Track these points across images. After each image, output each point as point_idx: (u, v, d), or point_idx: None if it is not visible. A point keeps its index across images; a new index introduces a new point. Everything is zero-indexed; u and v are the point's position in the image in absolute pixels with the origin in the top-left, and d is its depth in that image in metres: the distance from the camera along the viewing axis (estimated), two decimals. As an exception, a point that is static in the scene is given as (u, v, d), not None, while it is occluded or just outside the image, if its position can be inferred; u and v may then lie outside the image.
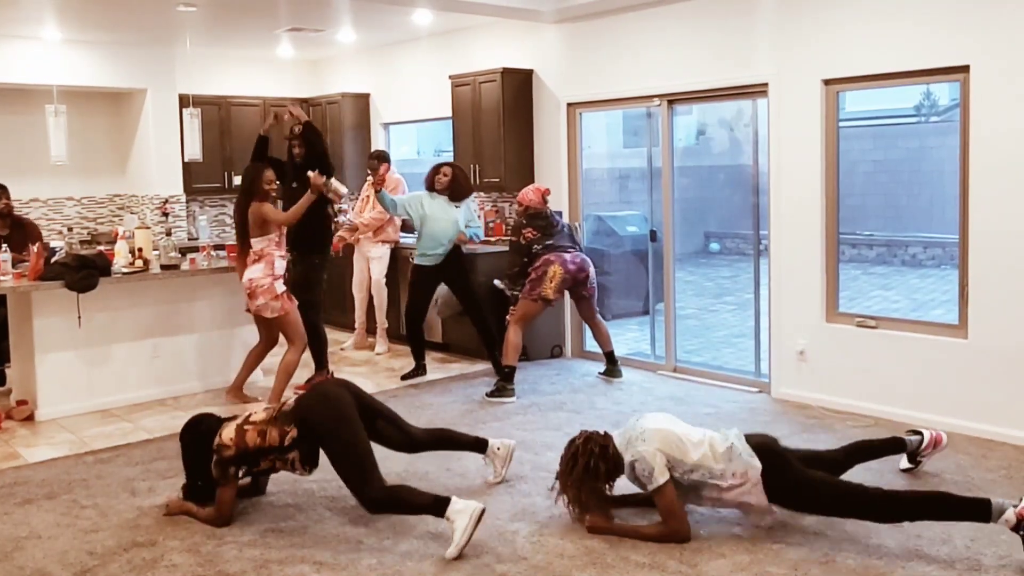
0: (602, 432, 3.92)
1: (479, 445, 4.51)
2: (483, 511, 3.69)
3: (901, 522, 3.71)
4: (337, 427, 3.86)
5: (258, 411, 4.09)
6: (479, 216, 7.69)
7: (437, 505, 3.71)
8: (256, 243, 5.84)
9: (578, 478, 3.79)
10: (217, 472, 3.97)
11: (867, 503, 3.62)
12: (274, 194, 5.95)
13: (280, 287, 5.87)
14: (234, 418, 4.10)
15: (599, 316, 6.67)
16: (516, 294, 6.42)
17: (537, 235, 6.33)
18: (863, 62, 5.48)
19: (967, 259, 5.16)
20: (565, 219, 7.38)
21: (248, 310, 6.02)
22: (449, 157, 8.28)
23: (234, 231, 6.04)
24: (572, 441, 3.92)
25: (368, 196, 7.58)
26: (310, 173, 6.04)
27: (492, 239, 7.71)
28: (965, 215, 5.15)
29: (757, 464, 3.69)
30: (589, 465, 3.77)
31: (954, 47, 5.08)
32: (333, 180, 6.26)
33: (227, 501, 4.02)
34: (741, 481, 3.69)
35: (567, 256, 6.33)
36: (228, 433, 3.96)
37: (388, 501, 3.81)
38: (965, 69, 5.06)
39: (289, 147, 6.56)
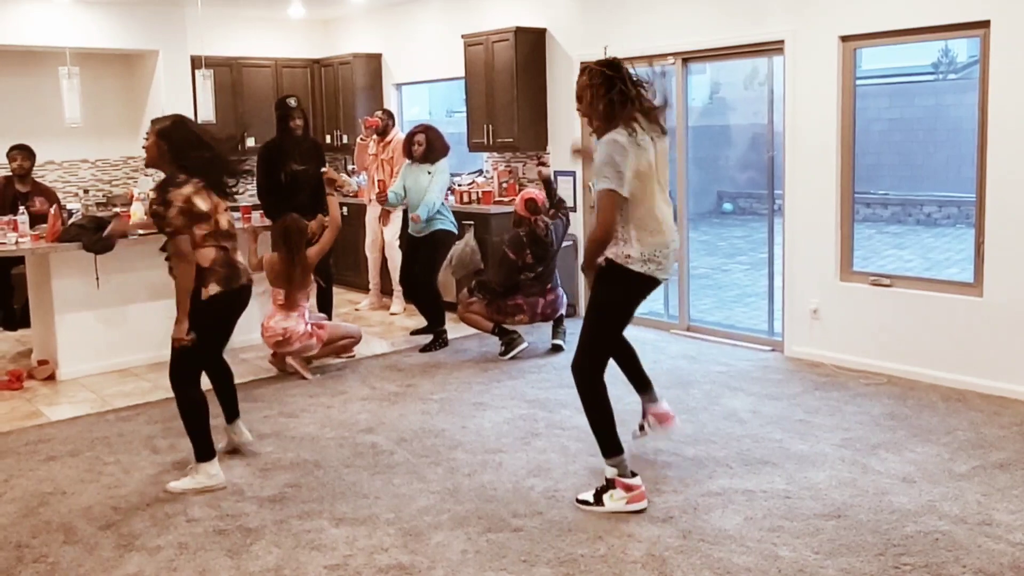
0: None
1: None
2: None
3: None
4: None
5: None
6: (450, 186, 7.49)
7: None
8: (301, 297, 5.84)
9: None
10: None
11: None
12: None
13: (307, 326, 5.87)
14: None
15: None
16: (475, 296, 6.39)
17: (532, 262, 6.21)
18: (881, 18, 5.41)
19: (983, 217, 5.13)
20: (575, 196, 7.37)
21: (276, 354, 5.93)
22: (461, 118, 8.23)
23: (276, 284, 5.79)
24: None
25: (377, 179, 7.57)
26: (324, 170, 6.31)
27: (505, 199, 7.71)
28: (983, 172, 5.11)
29: None
30: None
31: (974, 1, 5.01)
32: (344, 176, 6.55)
33: None
34: None
35: (541, 303, 6.29)
36: None
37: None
38: (985, 24, 4.99)
39: (286, 118, 6.44)
